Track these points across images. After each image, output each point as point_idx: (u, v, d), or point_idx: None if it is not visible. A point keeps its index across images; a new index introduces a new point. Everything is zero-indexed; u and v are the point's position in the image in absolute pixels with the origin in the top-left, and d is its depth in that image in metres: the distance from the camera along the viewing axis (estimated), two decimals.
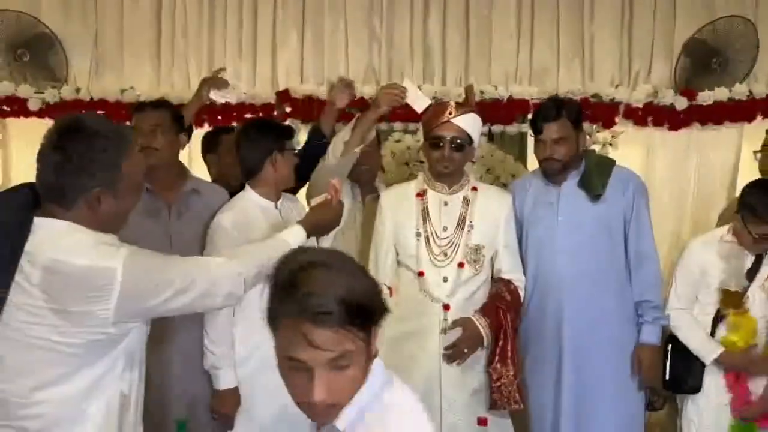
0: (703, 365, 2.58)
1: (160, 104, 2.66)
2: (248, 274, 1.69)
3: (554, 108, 2.52)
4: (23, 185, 1.60)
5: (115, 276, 1.47)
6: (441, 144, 2.44)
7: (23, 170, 4.08)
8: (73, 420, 1.51)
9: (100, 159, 1.50)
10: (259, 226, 2.41)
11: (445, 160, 2.45)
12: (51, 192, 1.51)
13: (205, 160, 3.23)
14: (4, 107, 3.97)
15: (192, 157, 3.51)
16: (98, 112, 3.89)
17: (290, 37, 4.04)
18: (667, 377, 2.62)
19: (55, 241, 1.48)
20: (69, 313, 1.46)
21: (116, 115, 3.87)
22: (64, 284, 1.46)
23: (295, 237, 1.88)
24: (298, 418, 2.35)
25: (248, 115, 3.80)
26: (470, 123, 2.46)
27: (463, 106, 2.47)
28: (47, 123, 3.92)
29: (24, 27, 4.03)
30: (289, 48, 4.04)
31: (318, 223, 2.00)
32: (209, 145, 3.21)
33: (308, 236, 1.93)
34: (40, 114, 3.96)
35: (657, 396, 2.77)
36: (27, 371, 1.48)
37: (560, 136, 2.51)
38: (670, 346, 2.62)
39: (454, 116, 2.43)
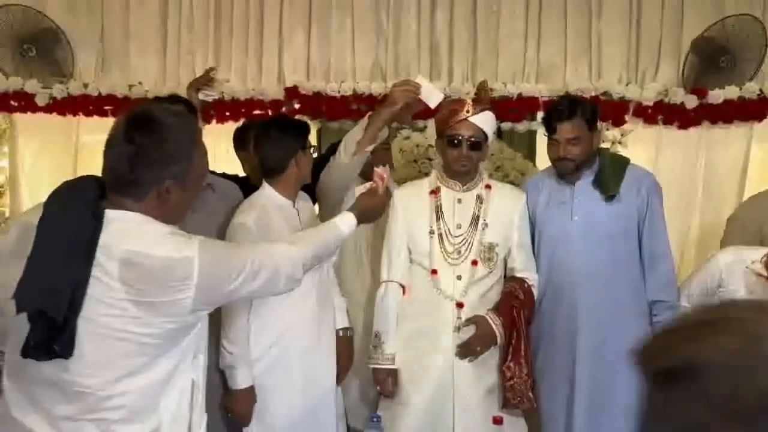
0: None
1: (177, 99, 2.65)
2: (306, 258, 1.75)
3: (568, 107, 2.49)
4: (86, 177, 1.61)
5: (192, 265, 1.49)
6: (459, 143, 2.43)
7: (30, 165, 4.10)
8: (152, 409, 1.53)
9: (174, 151, 1.53)
10: (278, 225, 2.40)
11: (462, 159, 2.44)
12: (123, 183, 1.52)
13: (237, 156, 3.20)
14: (12, 102, 3.96)
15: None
16: (105, 107, 3.91)
17: (297, 33, 4.02)
18: None
19: (129, 232, 1.50)
20: (150, 304, 1.47)
21: (124, 111, 3.85)
22: (144, 276, 1.47)
23: (346, 223, 1.92)
24: (311, 418, 2.39)
25: (257, 111, 3.78)
26: (486, 121, 2.46)
27: (479, 104, 2.46)
28: (54, 118, 4.01)
29: (30, 22, 4.01)
30: (296, 44, 4.02)
31: (366, 209, 2.01)
32: (240, 141, 3.16)
33: (358, 223, 1.97)
34: (47, 109, 3.95)
35: None
36: (108, 364, 1.49)
37: (574, 135, 2.49)
38: None
39: (472, 114, 2.42)
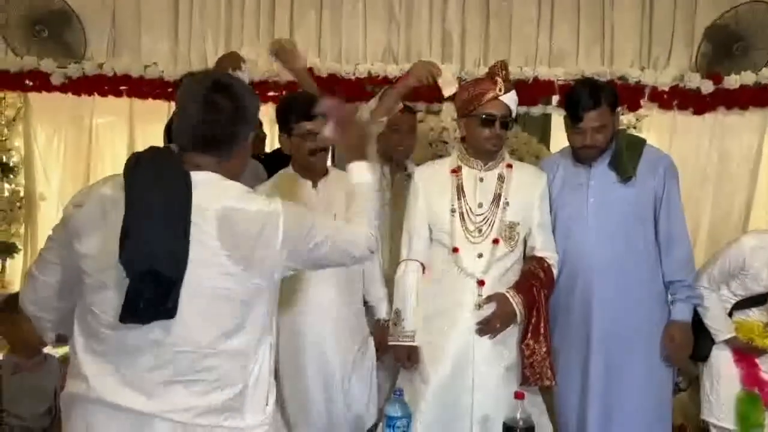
0: (712, 339, 2.70)
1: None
2: (373, 229, 1.80)
3: (593, 95, 2.46)
4: (158, 147, 1.66)
5: (279, 218, 1.58)
6: (492, 122, 2.43)
7: (45, 144, 4.12)
8: (241, 371, 1.58)
9: (251, 108, 1.66)
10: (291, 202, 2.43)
11: (494, 138, 2.44)
12: (218, 141, 1.60)
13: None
14: (27, 81, 3.96)
15: None
16: (120, 87, 3.91)
17: (308, 17, 4.03)
18: None
19: (219, 191, 1.56)
20: (245, 258, 1.53)
21: (138, 92, 3.87)
22: (240, 229, 1.53)
23: (362, 174, 1.86)
24: (319, 404, 2.41)
25: (271, 93, 3.78)
26: (514, 99, 2.47)
27: (507, 82, 2.45)
28: (69, 98, 4.00)
29: (42, 3, 4.03)
30: (307, 28, 4.03)
31: (356, 145, 1.90)
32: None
33: (366, 160, 1.90)
34: (62, 89, 3.96)
35: (682, 377, 2.80)
36: (206, 323, 1.53)
37: (600, 124, 2.48)
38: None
39: (503, 94, 2.42)
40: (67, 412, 1.60)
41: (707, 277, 2.67)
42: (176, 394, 1.53)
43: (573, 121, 2.50)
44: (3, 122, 4.05)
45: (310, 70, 3.84)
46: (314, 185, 2.50)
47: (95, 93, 3.99)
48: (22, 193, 4.11)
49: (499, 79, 2.44)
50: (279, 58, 2.93)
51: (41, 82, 3.94)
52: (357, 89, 3.81)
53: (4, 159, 4.05)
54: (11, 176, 4.08)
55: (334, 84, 3.79)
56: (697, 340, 2.63)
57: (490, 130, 2.43)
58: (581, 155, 2.57)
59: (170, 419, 1.52)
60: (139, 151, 1.64)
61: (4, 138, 4.04)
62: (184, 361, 1.53)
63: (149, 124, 3.87)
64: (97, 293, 1.55)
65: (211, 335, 1.54)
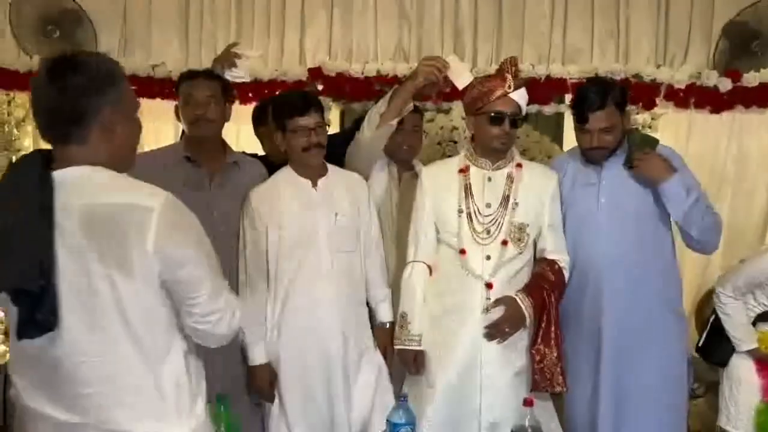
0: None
1: (212, 74, 2.63)
2: (234, 329, 1.65)
3: (600, 95, 2.40)
4: (30, 152, 1.59)
5: (152, 214, 1.43)
6: (501, 120, 2.37)
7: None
8: (147, 377, 1.50)
9: (100, 74, 1.47)
10: (287, 202, 2.42)
11: (504, 136, 2.39)
12: (63, 123, 1.46)
13: (256, 134, 3.16)
14: None
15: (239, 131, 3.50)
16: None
17: (318, 14, 3.99)
18: (701, 344, 2.75)
19: (83, 186, 1.45)
20: (114, 259, 1.42)
21: (147, 91, 3.86)
22: (105, 226, 1.42)
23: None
24: (321, 403, 2.37)
25: (279, 92, 3.75)
26: (523, 96, 2.41)
27: (516, 79, 2.40)
28: None
29: (53, 3, 4.02)
30: (318, 25, 3.99)
31: None
32: (259, 119, 3.12)
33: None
34: None
35: (699, 383, 2.73)
36: (94, 330, 1.45)
37: (608, 125, 2.42)
38: (712, 318, 2.68)
39: (513, 91, 2.36)
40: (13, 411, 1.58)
41: (731, 285, 2.61)
42: (89, 405, 1.47)
43: (579, 121, 2.45)
44: (12, 122, 4.05)
45: (318, 69, 3.81)
46: (314, 184, 2.47)
47: None
48: None
49: (509, 76, 2.38)
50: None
51: None
52: (366, 88, 3.76)
53: (14, 159, 4.03)
54: None
55: (342, 83, 3.74)
56: (717, 344, 2.57)
57: (500, 128, 2.38)
58: (590, 157, 2.52)
59: (95, 427, 1.47)
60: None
61: (13, 138, 4.04)
62: (84, 372, 1.46)
63: (158, 124, 3.85)
64: (5, 304, 1.49)
65: (101, 343, 1.45)
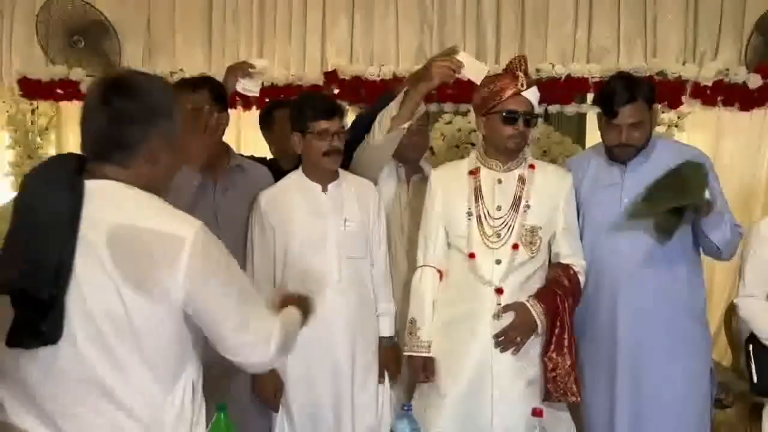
0: None
1: (200, 83, 2.61)
2: (277, 345, 1.54)
3: (628, 89, 2.32)
4: (64, 154, 1.55)
5: (184, 244, 1.38)
6: (515, 119, 2.30)
7: (76, 152, 4.15)
8: (150, 406, 1.43)
9: (155, 104, 1.45)
10: (296, 207, 2.39)
11: (517, 136, 2.32)
12: (109, 147, 1.42)
13: (265, 137, 3.15)
14: (58, 90, 4.04)
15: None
16: None
17: (340, 19, 4.01)
18: (755, 380, 2.40)
19: (116, 203, 1.40)
20: (138, 282, 1.36)
21: None
22: (134, 249, 1.37)
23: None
24: (327, 412, 2.32)
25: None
26: (536, 95, 2.34)
27: (528, 77, 2.33)
28: None
29: (79, 14, 4.12)
30: (339, 30, 4.02)
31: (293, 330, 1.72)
32: (264, 122, 3.11)
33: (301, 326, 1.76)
34: None
35: (727, 393, 2.59)
36: (103, 351, 1.37)
37: (637, 120, 2.32)
38: (751, 347, 2.42)
39: (525, 89, 2.30)
40: None
41: (742, 284, 2.45)
42: (83, 427, 1.39)
43: (607, 116, 2.36)
44: (36, 131, 4.14)
45: (335, 72, 3.80)
46: (324, 189, 2.43)
47: None
48: None
49: (520, 74, 2.31)
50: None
51: (72, 90, 4.02)
52: (383, 91, 3.71)
53: None
54: None
55: (358, 87, 3.72)
56: (762, 371, 2.40)
57: (513, 128, 2.30)
58: (617, 154, 2.41)
59: None
60: (44, 159, 1.53)
61: (37, 147, 4.13)
62: (80, 391, 1.39)
63: None
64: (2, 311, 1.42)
65: (108, 365, 1.37)
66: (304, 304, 1.80)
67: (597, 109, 2.49)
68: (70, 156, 1.47)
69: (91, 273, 1.36)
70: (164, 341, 1.42)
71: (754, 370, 2.39)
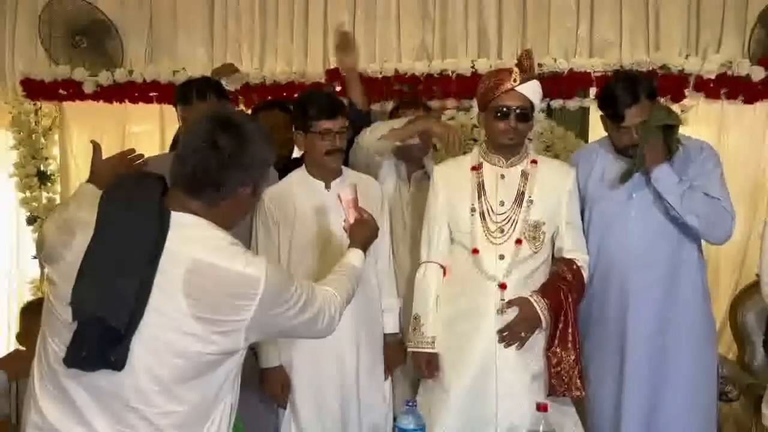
0: None
1: (209, 82, 2.62)
2: (342, 306, 1.72)
3: (630, 90, 2.32)
4: (149, 174, 1.55)
5: (259, 284, 1.42)
6: (506, 114, 2.30)
7: (81, 153, 4.18)
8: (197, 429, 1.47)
9: (259, 154, 1.50)
10: (300, 204, 2.39)
11: (510, 132, 2.32)
12: (206, 186, 1.45)
13: None
14: (61, 90, 4.05)
15: None
16: (151, 93, 3.96)
17: (341, 18, 3.97)
18: None
19: (197, 239, 1.42)
20: (209, 321, 1.39)
21: (169, 97, 3.89)
22: (209, 288, 1.39)
23: (358, 259, 1.94)
24: (333, 407, 2.33)
25: (297, 94, 3.75)
26: (534, 90, 2.33)
27: (525, 72, 2.32)
28: (103, 106, 4.08)
29: (81, 14, 4.12)
30: (341, 27, 3.97)
31: (365, 240, 2.03)
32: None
33: (364, 252, 1.99)
34: (95, 97, 4.04)
35: (732, 386, 2.59)
36: (158, 379, 1.40)
37: (644, 118, 2.33)
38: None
39: (519, 84, 2.29)
40: None
41: (767, 272, 2.43)
42: None
43: (616, 120, 2.35)
44: (39, 131, 4.14)
45: (336, 70, 3.79)
46: (327, 186, 2.43)
47: (126, 100, 4.04)
48: (58, 201, 4.17)
49: (516, 69, 2.31)
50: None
51: (75, 91, 4.02)
52: (384, 88, 3.73)
53: (42, 167, 4.13)
54: (48, 184, 4.15)
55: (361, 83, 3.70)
56: None
57: (505, 123, 2.31)
58: (631, 153, 2.38)
59: None
60: (124, 174, 1.52)
61: (40, 147, 4.13)
62: (132, 416, 1.40)
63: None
64: (55, 325, 1.43)
65: (160, 394, 1.40)
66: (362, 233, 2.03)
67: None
68: (156, 180, 1.49)
69: (164, 306, 1.37)
70: (222, 371, 1.46)
71: None
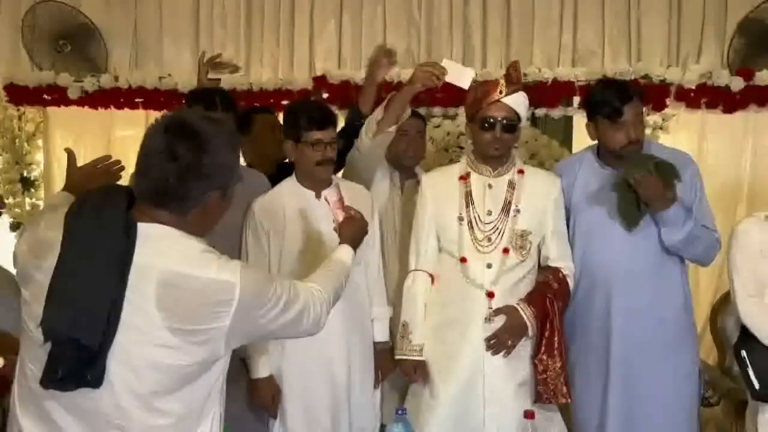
0: None
1: (213, 93, 2.62)
2: (329, 302, 1.69)
3: (624, 88, 2.37)
4: (114, 187, 1.51)
5: (234, 290, 1.39)
6: (492, 125, 2.33)
7: (64, 158, 4.10)
8: None
9: (221, 160, 1.44)
10: (290, 213, 2.39)
11: (496, 143, 2.35)
12: (169, 197, 1.40)
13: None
14: (45, 96, 4.02)
15: None
16: (136, 100, 3.94)
17: (328, 23, 4.01)
18: (757, 386, 2.23)
19: (167, 250, 1.38)
20: (186, 332, 1.36)
21: (154, 103, 3.89)
22: (183, 299, 1.36)
23: (348, 255, 1.92)
24: (324, 416, 2.34)
25: (285, 102, 3.75)
26: (520, 102, 2.36)
27: (512, 84, 2.35)
28: (88, 112, 4.05)
29: (65, 18, 4.09)
30: (327, 33, 4.01)
31: (354, 236, 2.01)
32: (241, 128, 3.09)
33: (354, 249, 1.98)
34: (79, 102, 4.01)
35: (713, 391, 2.63)
36: (137, 395, 1.38)
37: (639, 116, 2.38)
38: (744, 353, 2.26)
39: (505, 95, 2.32)
40: None
41: (740, 284, 2.26)
42: None
43: (615, 116, 2.34)
44: (23, 137, 4.12)
45: (323, 77, 3.81)
46: (317, 195, 2.44)
47: (111, 106, 4.02)
48: (42, 207, 4.16)
49: (502, 81, 2.34)
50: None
51: (59, 96, 4.00)
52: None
53: (25, 173, 4.11)
54: (32, 190, 4.14)
55: (348, 91, 3.73)
56: (763, 376, 2.32)
57: (492, 134, 2.34)
58: (627, 154, 2.36)
59: None
60: (90, 191, 1.46)
61: (24, 152, 4.11)
62: (115, 430, 1.39)
63: None
64: (30, 347, 1.39)
65: (142, 409, 1.37)
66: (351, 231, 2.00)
67: (584, 113, 2.51)
68: (121, 192, 1.44)
69: (137, 321, 1.35)
70: (205, 383, 1.43)
71: (753, 377, 2.24)
